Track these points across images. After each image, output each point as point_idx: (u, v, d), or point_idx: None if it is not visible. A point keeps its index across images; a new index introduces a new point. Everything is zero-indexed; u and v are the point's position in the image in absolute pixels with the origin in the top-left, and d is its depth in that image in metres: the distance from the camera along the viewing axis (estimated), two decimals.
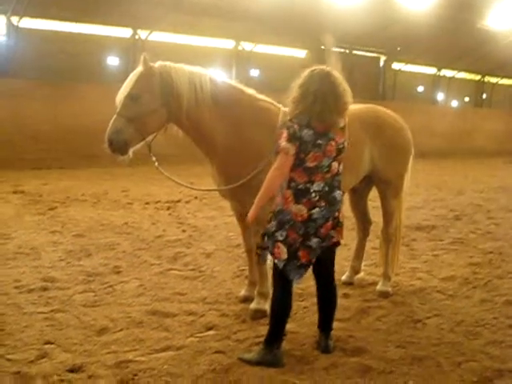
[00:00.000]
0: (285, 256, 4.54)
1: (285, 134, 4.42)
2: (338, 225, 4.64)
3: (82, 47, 21.91)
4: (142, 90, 5.12)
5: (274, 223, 4.58)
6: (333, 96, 4.46)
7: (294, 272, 4.59)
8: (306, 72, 4.57)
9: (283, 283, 4.66)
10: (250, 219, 4.57)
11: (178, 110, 5.26)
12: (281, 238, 4.54)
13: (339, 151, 4.57)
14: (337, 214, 4.62)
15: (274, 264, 4.63)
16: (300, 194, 4.50)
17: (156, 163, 5.47)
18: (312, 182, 4.50)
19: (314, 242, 4.55)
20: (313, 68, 4.59)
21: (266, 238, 4.64)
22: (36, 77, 20.60)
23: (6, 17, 20.50)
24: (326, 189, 4.54)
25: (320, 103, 4.41)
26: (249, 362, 4.59)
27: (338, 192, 4.62)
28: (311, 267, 4.73)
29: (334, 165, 4.57)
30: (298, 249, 4.54)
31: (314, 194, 4.50)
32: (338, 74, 4.58)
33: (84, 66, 21.91)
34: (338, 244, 4.73)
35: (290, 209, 4.51)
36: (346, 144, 4.63)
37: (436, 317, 5.72)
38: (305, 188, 4.50)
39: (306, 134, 4.41)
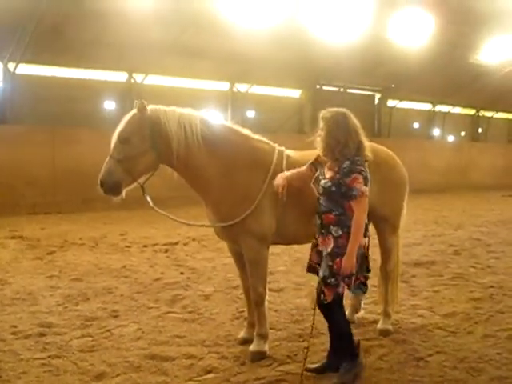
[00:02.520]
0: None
1: (360, 178, 4.70)
2: None
3: (78, 92, 22.03)
4: (132, 132, 5.26)
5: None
6: (361, 130, 4.90)
7: (355, 287, 5.08)
8: (329, 115, 4.87)
9: (339, 307, 4.94)
10: (345, 271, 4.71)
11: (167, 151, 5.33)
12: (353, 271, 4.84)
13: None
14: None
15: (321, 299, 4.81)
16: (366, 229, 4.93)
17: (150, 202, 5.54)
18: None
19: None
20: (329, 110, 4.91)
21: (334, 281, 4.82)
22: (33, 122, 20.70)
23: (3, 63, 20.66)
24: None
25: (363, 137, 4.87)
26: (351, 380, 4.83)
27: None
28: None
29: None
30: (357, 272, 4.94)
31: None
32: None
33: (81, 110, 22.01)
34: None
35: (360, 242, 4.83)
36: None
37: (438, 354, 5.64)
38: (367, 222, 4.95)
39: (367, 172, 4.81)
